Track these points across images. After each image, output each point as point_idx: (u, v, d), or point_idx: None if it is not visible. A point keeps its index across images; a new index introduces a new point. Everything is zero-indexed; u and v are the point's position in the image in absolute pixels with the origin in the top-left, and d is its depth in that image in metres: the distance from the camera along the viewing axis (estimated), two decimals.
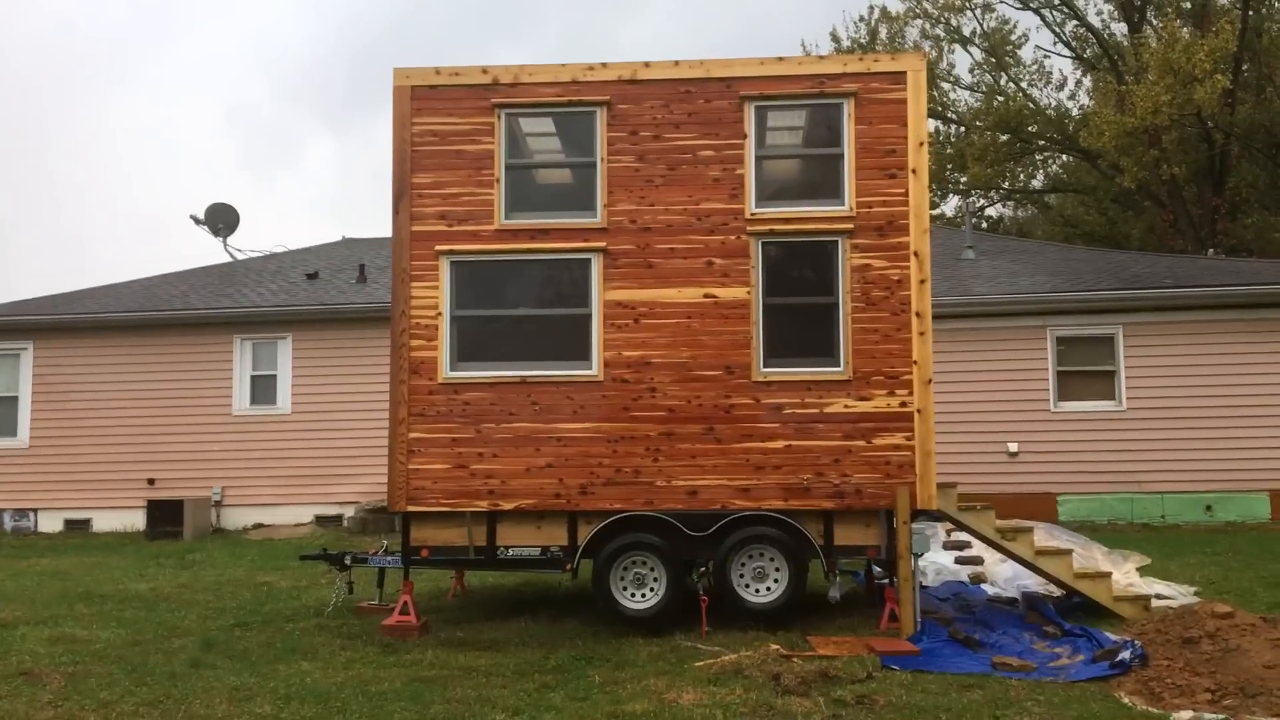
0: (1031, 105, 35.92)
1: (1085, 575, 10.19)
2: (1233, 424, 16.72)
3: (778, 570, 9.56)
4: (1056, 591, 10.96)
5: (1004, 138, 35.44)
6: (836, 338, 9.69)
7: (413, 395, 9.89)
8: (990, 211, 42.04)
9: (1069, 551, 10.39)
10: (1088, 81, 37.11)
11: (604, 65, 10.03)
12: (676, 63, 10.02)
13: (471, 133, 10.04)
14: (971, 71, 37.28)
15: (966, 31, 36.83)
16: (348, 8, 68.00)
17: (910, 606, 9.29)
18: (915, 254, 9.67)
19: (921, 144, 9.75)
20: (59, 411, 20.11)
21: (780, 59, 9.99)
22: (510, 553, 9.91)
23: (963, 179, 37.28)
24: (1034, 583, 11.43)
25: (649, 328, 9.79)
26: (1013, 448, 17.09)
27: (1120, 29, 35.85)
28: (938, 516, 11.16)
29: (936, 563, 13.11)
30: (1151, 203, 34.58)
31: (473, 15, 71.19)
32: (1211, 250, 26.13)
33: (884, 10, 37.62)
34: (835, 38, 37.94)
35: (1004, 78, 36.60)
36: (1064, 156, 39.32)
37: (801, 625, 9.65)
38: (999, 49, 36.34)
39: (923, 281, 9.65)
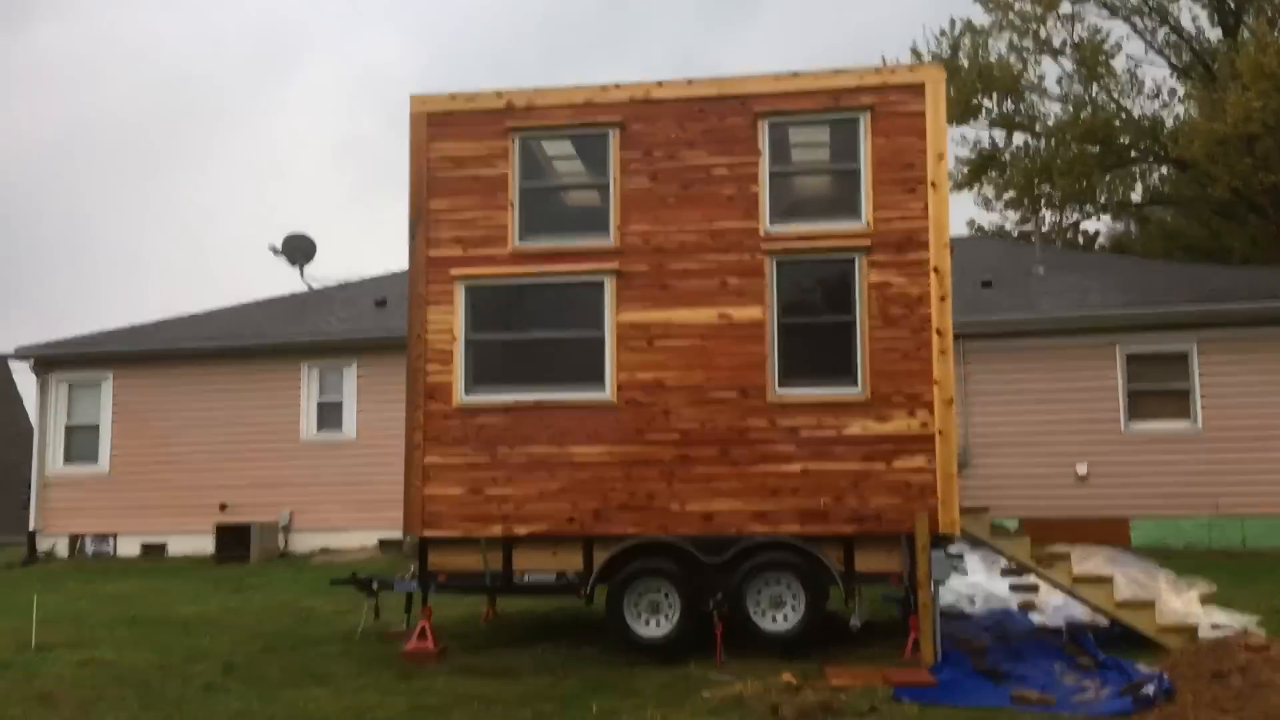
0: (1123, 116, 34.85)
1: (1128, 605, 9.69)
2: None
3: (794, 597, 9.29)
4: (1104, 621, 10.44)
5: (1094, 149, 34.41)
6: (854, 358, 9.42)
7: (428, 420, 9.90)
8: (1087, 226, 40.78)
9: (1109, 579, 9.89)
10: (1181, 89, 35.83)
11: (617, 86, 9.96)
12: (690, 81, 9.90)
13: (487, 157, 10.05)
14: (1059, 82, 36.33)
15: (1056, 42, 35.92)
16: (453, 38, 69.19)
17: (930, 635, 8.92)
18: (935, 270, 9.35)
19: (941, 157, 9.44)
20: (137, 439, 20.71)
21: (795, 74, 9.79)
22: (526, 578, 9.83)
23: (1054, 193, 36.35)
24: (1081, 612, 10.91)
25: (663, 349, 9.65)
26: (1082, 470, 16.42)
27: (1215, 34, 34.61)
28: (976, 542, 10.80)
29: (987, 589, 12.67)
30: (1255, 214, 33.18)
31: (573, 39, 71.77)
32: None
33: (968, 22, 36.93)
34: (915, 52, 37.29)
35: (1095, 88, 35.58)
36: (1163, 169, 38.03)
37: (824, 654, 9.35)
38: (1090, 59, 35.30)
39: (943, 298, 9.32)
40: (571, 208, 10.50)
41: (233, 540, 18.98)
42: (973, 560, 14.18)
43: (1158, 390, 16.45)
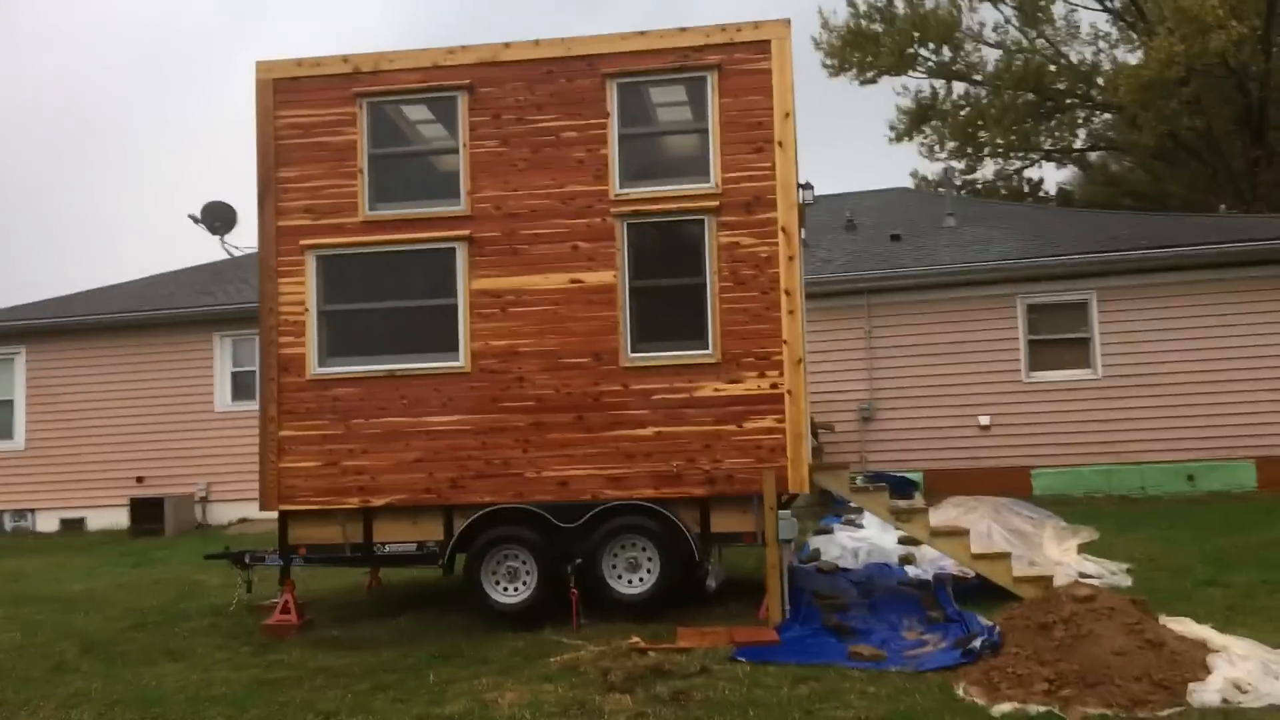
0: (1061, 62, 34.84)
1: (983, 556, 9.77)
2: (1215, 389, 15.99)
3: (650, 560, 9.31)
4: (971, 573, 10.54)
5: (1028, 97, 34.42)
6: (705, 320, 9.38)
7: (282, 393, 9.81)
8: (1031, 174, 40.84)
9: (965, 531, 9.96)
10: (1116, 34, 35.80)
11: (464, 48, 9.80)
12: (537, 42, 9.76)
13: (335, 124, 9.89)
14: (995, 30, 36.23)
15: None
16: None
17: (778, 594, 8.97)
18: (783, 230, 9.30)
19: (788, 115, 9.35)
20: (52, 414, 20.50)
21: (642, 33, 9.65)
22: (387, 549, 9.80)
23: (998, 142, 36.41)
24: (952, 564, 11.01)
25: (516, 316, 9.58)
26: (984, 421, 16.54)
27: None
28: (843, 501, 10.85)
29: (875, 544, 12.76)
30: (1194, 158, 33.32)
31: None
32: (1223, 207, 25.02)
33: None
34: (852, 3, 37.05)
35: (1032, 34, 35.49)
36: (1105, 115, 38.07)
37: (682, 615, 9.39)
38: (1028, 5, 35.18)
39: (791, 258, 9.28)
40: (424, 174, 10.36)
41: (148, 513, 18.89)
42: (871, 515, 14.29)
43: (1058, 339, 16.57)
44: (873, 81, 37.83)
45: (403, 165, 10.31)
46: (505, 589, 9.44)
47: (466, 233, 9.64)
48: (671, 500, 9.32)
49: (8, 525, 20.66)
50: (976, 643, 7.76)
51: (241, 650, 9.27)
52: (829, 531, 13.45)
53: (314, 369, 9.77)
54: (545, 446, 9.45)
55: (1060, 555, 11.86)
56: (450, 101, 9.82)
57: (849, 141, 54.02)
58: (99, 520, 20.10)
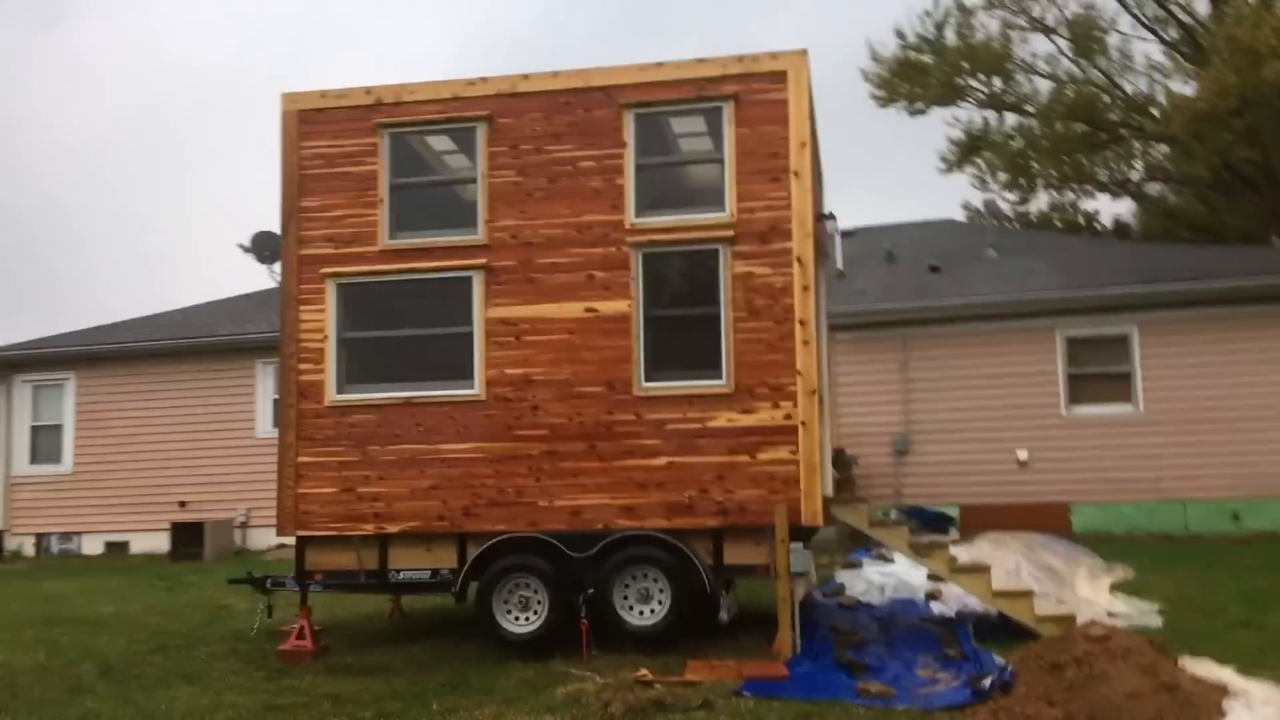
0: (1116, 93, 34.41)
1: (1005, 593, 9.56)
2: (1262, 426, 15.59)
3: (661, 591, 9.23)
4: (995, 611, 10.32)
5: (1079, 128, 33.99)
6: (719, 350, 9.32)
7: (301, 419, 9.90)
8: (1086, 206, 40.25)
9: (987, 568, 9.76)
10: (1170, 65, 35.28)
11: (484, 80, 9.89)
12: (556, 73, 9.83)
13: (357, 154, 10.02)
14: (1047, 61, 35.86)
15: (1049, 20, 35.42)
16: (495, 26, 68.44)
17: (788, 628, 8.85)
18: (798, 260, 9.24)
19: (804, 145, 9.31)
20: (99, 439, 20.90)
21: (660, 64, 9.68)
22: (402, 575, 9.82)
23: (1047, 173, 35.98)
24: (977, 601, 10.79)
25: (531, 345, 9.59)
26: (1022, 455, 16.26)
27: (1204, 7, 34.05)
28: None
29: (902, 579, 12.55)
30: (1250, 189, 32.66)
31: (607, 23, 70.76)
32: (1277, 238, 24.47)
33: (957, 1, 36.46)
34: (900, 34, 36.94)
35: (1086, 65, 35.09)
36: (1163, 147, 37.51)
37: (695, 648, 9.29)
38: (1082, 36, 34.80)
39: (806, 288, 9.21)
40: (444, 204, 10.44)
41: (188, 537, 19.14)
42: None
43: (1098, 374, 16.27)
44: (922, 112, 37.55)
45: (423, 195, 10.41)
46: (517, 618, 9.41)
47: (483, 261, 9.70)
48: (684, 531, 9.25)
49: (55, 548, 21.06)
50: (986, 681, 7.60)
51: (255, 675, 9.31)
52: (858, 565, 13.29)
53: (332, 396, 9.86)
54: (558, 475, 9.43)
55: (1092, 594, 11.59)
56: (470, 132, 9.92)
57: (902, 172, 53.77)
58: (142, 544, 20.42)
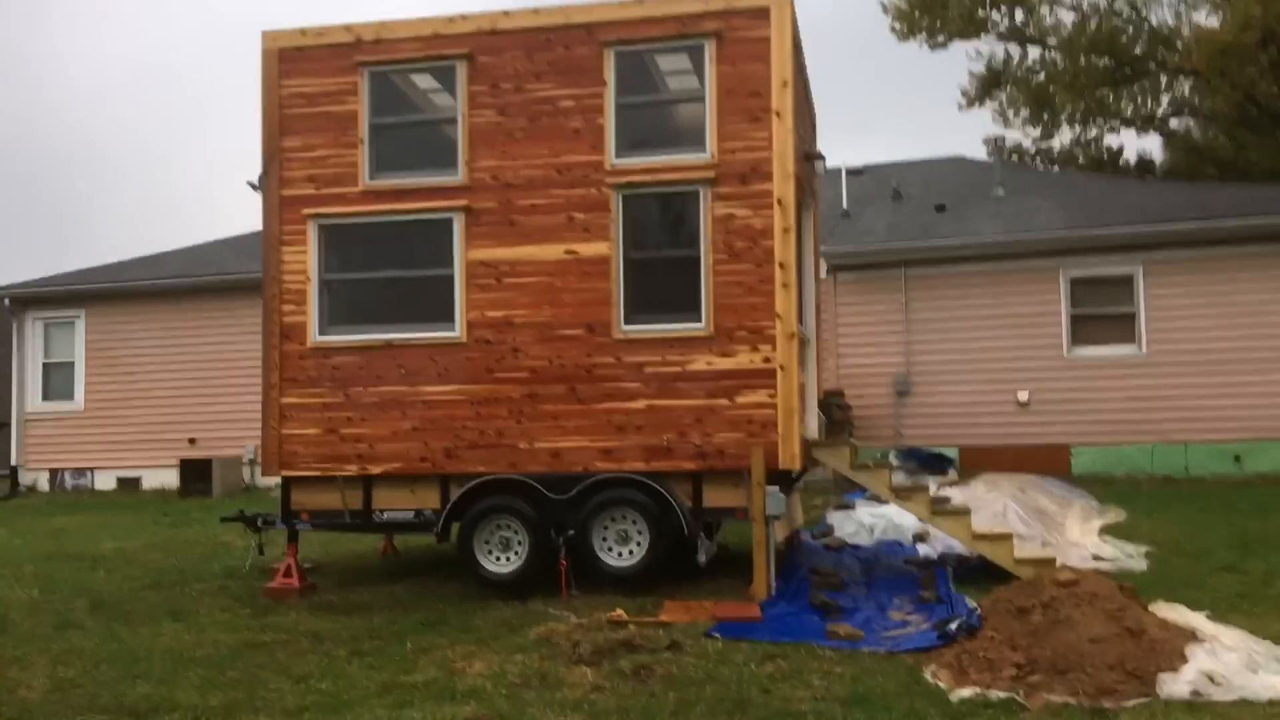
0: (1144, 26, 33.62)
1: (985, 536, 9.56)
2: (1266, 368, 15.41)
3: (640, 534, 9.27)
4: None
5: (1102, 62, 33.31)
6: (699, 292, 9.26)
7: (284, 360, 9.96)
8: (1111, 141, 39.55)
9: (967, 510, 9.75)
10: None
11: (464, 17, 9.76)
12: (536, 10, 9.68)
13: (338, 93, 9.94)
14: None
15: None
16: None
17: (764, 570, 8.89)
18: (779, 201, 9.13)
19: (785, 84, 9.15)
20: (109, 376, 21.10)
21: (640, 1, 9.52)
22: (385, 516, 9.91)
23: (1069, 108, 35.31)
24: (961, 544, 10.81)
25: (511, 287, 9.56)
26: (1023, 397, 16.16)
27: None
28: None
29: (894, 520, 12.56)
30: (1277, 125, 31.97)
31: None
32: None
33: None
34: None
35: None
36: (1187, 80, 36.73)
37: (675, 589, 9.36)
38: None
39: (786, 230, 9.11)
40: (425, 144, 10.32)
41: (197, 474, 19.37)
42: None
43: (1101, 315, 16.09)
44: (943, 46, 36.90)
45: (405, 135, 10.30)
46: (498, 559, 9.50)
47: (464, 203, 9.64)
48: (663, 474, 9.27)
49: (69, 483, 21.38)
50: (953, 625, 7.62)
51: (242, 613, 9.46)
52: (850, 507, 13.29)
53: (314, 337, 9.89)
54: (538, 418, 9.45)
55: (1080, 537, 11.58)
56: (450, 71, 9.80)
57: (921, 109, 53.03)
58: (153, 480, 20.68)
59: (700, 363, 9.22)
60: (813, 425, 10.41)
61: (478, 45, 9.70)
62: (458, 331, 9.63)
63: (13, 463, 21.83)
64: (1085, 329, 16.11)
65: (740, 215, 9.19)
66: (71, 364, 21.49)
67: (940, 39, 36.54)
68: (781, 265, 9.08)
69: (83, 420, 21.28)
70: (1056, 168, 34.51)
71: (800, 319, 9.90)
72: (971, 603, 8.32)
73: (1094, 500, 13.47)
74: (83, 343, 21.41)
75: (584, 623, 8.25)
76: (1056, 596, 7.53)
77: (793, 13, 9.31)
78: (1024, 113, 37.17)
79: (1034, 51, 36.64)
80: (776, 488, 8.93)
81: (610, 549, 9.33)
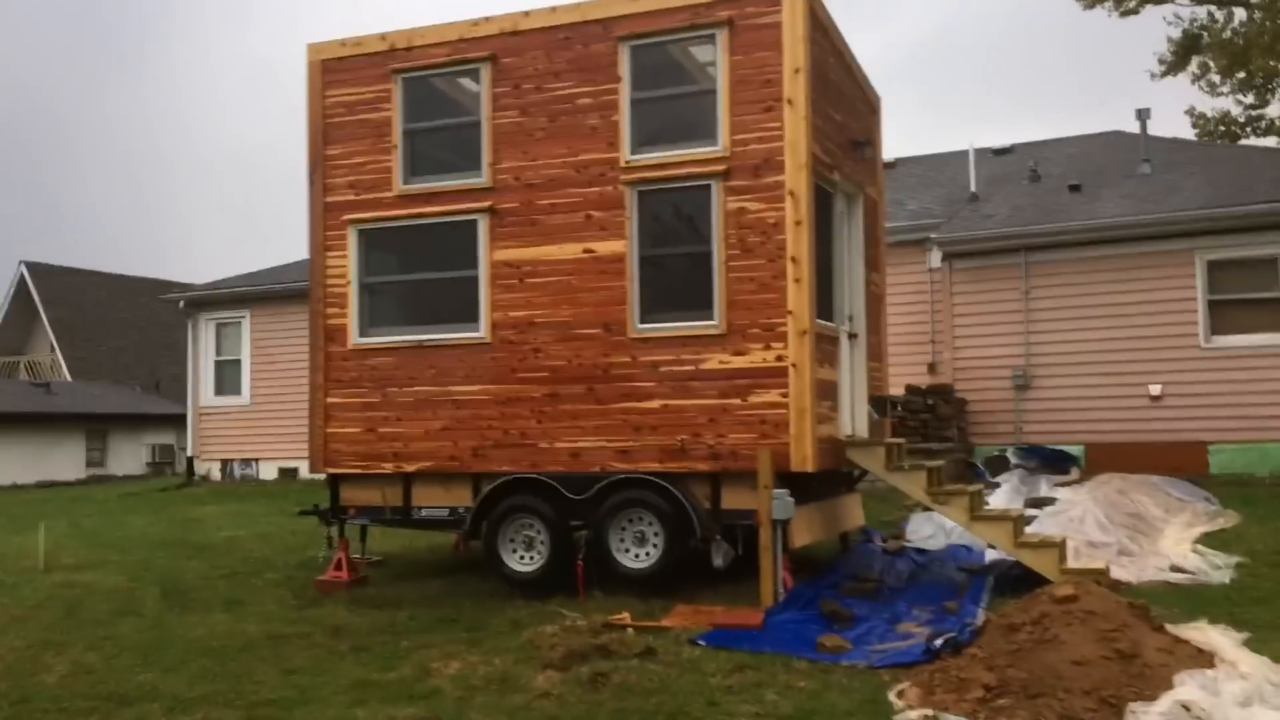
0: None
1: (1028, 544, 8.93)
2: None
3: (656, 535, 9.13)
4: None
5: None
6: (711, 289, 9.03)
7: (329, 362, 10.30)
8: None
9: (1013, 517, 9.12)
10: None
11: (487, 20, 9.83)
12: (554, 9, 9.64)
13: (374, 101, 10.20)
14: None
15: None
16: None
17: (769, 577, 8.58)
18: (791, 193, 8.77)
19: (798, 71, 8.78)
20: (271, 372, 22.40)
21: None
22: (423, 513, 10.12)
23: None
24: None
25: (532, 287, 9.58)
26: (1155, 390, 14.98)
27: None
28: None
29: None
30: None
31: None
32: None
33: None
34: None
35: None
36: None
37: (695, 592, 9.18)
38: None
39: (799, 223, 8.74)
40: (455, 147, 10.42)
41: None
42: (1001, 491, 13.36)
43: (1244, 300, 14.71)
44: (1134, 11, 34.61)
45: (436, 138, 10.44)
46: (522, 558, 9.55)
47: (488, 204, 9.72)
48: (680, 474, 9.09)
49: (237, 473, 22.85)
50: (938, 641, 7.18)
51: (290, 604, 9.86)
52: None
53: (355, 339, 10.19)
54: (558, 418, 9.44)
55: (1173, 546, 10.65)
56: (474, 74, 9.90)
57: (1105, 80, 49.78)
58: (308, 470, 21.77)
59: (713, 361, 8.99)
60: (850, 424, 9.98)
61: (501, 47, 9.75)
62: (483, 332, 9.73)
63: (188, 454, 23.53)
64: (1225, 316, 14.75)
65: (753, 209, 8.89)
66: (239, 361, 22.92)
67: (1131, 4, 34.31)
68: (795, 260, 8.73)
69: (248, 414, 22.69)
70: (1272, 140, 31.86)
71: (829, 315, 9.52)
72: (981, 616, 7.81)
73: (1214, 503, 12.37)
74: (248, 341, 22.79)
75: (576, 625, 8.19)
76: (1048, 613, 6.98)
77: None
78: (1234, 79, 34.51)
79: (1239, 14, 33.94)
80: (785, 490, 8.60)
81: (627, 550, 9.23)
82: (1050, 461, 14.77)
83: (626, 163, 9.31)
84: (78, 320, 38.50)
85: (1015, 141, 21.68)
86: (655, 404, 9.14)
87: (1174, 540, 10.83)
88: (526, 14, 9.71)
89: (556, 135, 9.54)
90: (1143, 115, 17.41)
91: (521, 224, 9.63)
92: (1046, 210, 16.31)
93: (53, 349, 37.96)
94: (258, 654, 8.11)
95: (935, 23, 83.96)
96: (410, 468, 9.96)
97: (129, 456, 32.24)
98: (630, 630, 8.00)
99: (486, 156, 9.78)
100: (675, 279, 9.33)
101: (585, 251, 9.40)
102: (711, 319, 9.02)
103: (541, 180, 9.58)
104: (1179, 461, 14.35)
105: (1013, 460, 14.85)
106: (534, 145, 9.62)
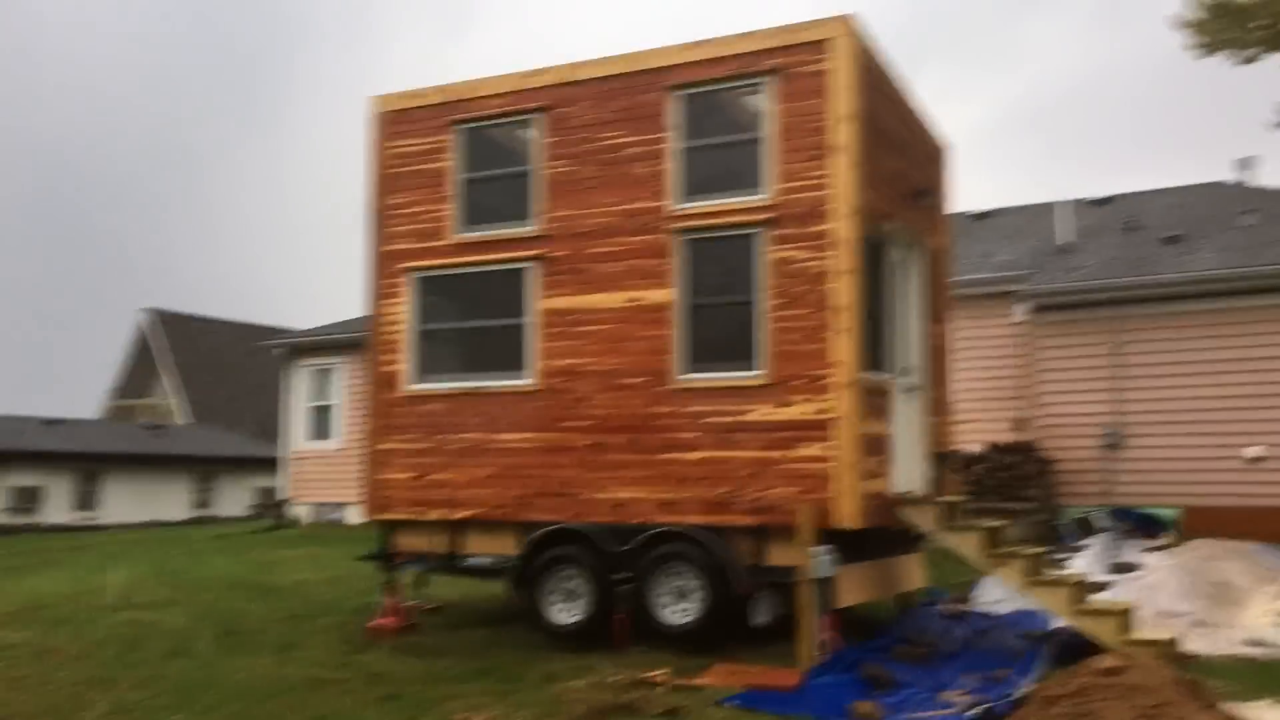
0: None
1: (1089, 611, 8.47)
2: None
3: (699, 589, 8.91)
4: None
5: None
6: (754, 339, 8.85)
7: (383, 408, 10.38)
8: None
9: (1071, 583, 8.66)
10: None
11: (542, 71, 9.91)
12: (606, 59, 9.67)
13: (433, 151, 10.34)
14: None
15: None
16: None
17: (808, 637, 8.28)
18: (839, 242, 8.57)
19: (847, 119, 8.61)
20: (362, 418, 22.76)
21: (706, 41, 9.29)
22: (469, 561, 10.08)
23: None
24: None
25: (579, 335, 9.54)
26: (1254, 452, 14.18)
27: None
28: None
29: None
30: None
31: None
32: None
33: None
34: None
35: None
36: None
37: (739, 650, 8.93)
38: None
39: (846, 272, 8.53)
40: (509, 196, 10.48)
41: None
42: (1084, 556, 12.76)
43: None
44: (1254, 60, 33.45)
45: (489, 187, 10.49)
46: (563, 609, 9.41)
47: (538, 253, 9.74)
48: (724, 528, 8.88)
49: (326, 517, 23.22)
50: (972, 711, 6.81)
51: (338, 649, 9.87)
52: None
53: (407, 385, 10.26)
54: (602, 467, 9.33)
55: (1258, 618, 10.00)
56: (528, 125, 9.96)
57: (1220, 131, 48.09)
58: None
59: (757, 413, 8.79)
60: (904, 480, 9.62)
61: (555, 98, 9.81)
62: (530, 380, 9.70)
63: (280, 497, 24.04)
64: None
65: (799, 258, 8.71)
66: (330, 406, 23.38)
67: (1251, 53, 33.17)
68: (841, 310, 8.51)
69: (340, 458, 23.06)
70: None
71: (881, 366, 9.24)
72: (1025, 686, 7.41)
73: None
74: (342, 386, 23.25)
75: (608, 681, 8.04)
76: (1089, 686, 6.59)
77: (861, 43, 8.77)
78: None
79: None
80: (827, 547, 8.32)
81: (666, 605, 9.02)
82: (1141, 525, 14.07)
83: (673, 211, 9.23)
84: (195, 365, 39.93)
85: (1116, 192, 20.99)
86: (698, 455, 8.98)
87: (1259, 611, 10.17)
88: (579, 65, 9.76)
89: (606, 184, 9.53)
90: (1246, 164, 16.69)
91: (569, 272, 9.62)
92: (1138, 262, 15.70)
93: (171, 392, 39.38)
94: (291, 699, 8.12)
95: (1073, 68, 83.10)
96: (457, 515, 9.95)
97: (234, 498, 33.15)
98: (660, 688, 7.81)
99: (537, 205, 9.81)
100: (720, 328, 9.18)
101: (630, 300, 9.33)
102: (755, 369, 8.83)
103: (590, 229, 9.56)
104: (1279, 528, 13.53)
105: (1100, 523, 14.20)
106: (584, 194, 9.62)
